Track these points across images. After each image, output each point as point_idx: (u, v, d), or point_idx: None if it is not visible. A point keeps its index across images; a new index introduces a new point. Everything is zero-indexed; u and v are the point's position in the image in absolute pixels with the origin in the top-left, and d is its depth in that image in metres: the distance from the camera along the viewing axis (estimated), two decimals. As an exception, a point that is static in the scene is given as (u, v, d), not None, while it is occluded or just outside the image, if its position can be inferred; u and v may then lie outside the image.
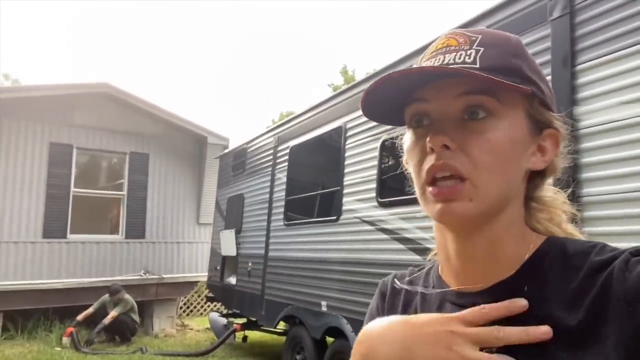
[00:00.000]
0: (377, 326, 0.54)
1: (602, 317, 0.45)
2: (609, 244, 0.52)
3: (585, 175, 2.30)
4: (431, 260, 0.68)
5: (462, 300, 0.55)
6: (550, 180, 0.60)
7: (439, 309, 0.58)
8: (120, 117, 8.04)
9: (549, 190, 0.60)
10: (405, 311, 0.63)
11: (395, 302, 0.66)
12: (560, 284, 0.50)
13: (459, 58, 0.51)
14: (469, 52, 0.52)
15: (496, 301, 0.51)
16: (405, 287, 0.65)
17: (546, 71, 2.54)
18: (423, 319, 0.52)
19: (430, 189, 0.51)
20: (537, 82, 0.54)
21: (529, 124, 0.54)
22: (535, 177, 0.57)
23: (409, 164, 0.57)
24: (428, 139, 0.50)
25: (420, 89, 0.53)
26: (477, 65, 0.50)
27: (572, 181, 2.32)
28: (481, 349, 0.48)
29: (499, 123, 0.51)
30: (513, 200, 0.54)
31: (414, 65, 0.54)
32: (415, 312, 0.61)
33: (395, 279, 0.68)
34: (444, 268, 0.61)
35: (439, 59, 0.52)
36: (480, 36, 0.53)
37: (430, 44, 0.57)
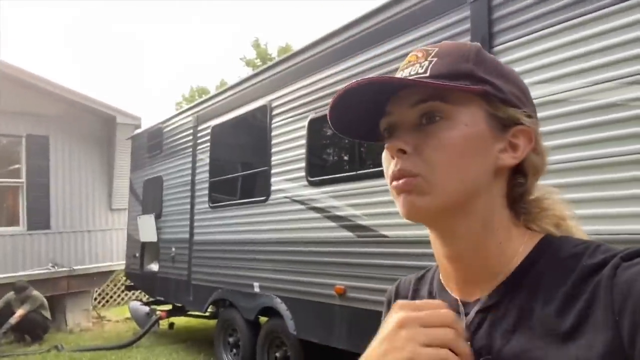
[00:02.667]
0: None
1: (592, 324, 0.46)
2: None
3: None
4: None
5: (467, 308, 0.57)
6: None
7: None
8: (13, 96, 7.20)
9: (539, 190, 0.60)
10: None
11: None
12: (552, 289, 0.51)
13: (414, 71, 0.56)
14: (423, 64, 0.56)
15: (490, 308, 0.54)
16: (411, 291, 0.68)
17: (467, 52, 2.68)
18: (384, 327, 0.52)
19: (392, 184, 0.56)
20: (494, 82, 0.55)
21: (491, 122, 0.55)
22: (516, 176, 0.58)
23: None
24: (385, 145, 0.56)
25: (388, 103, 0.58)
26: (427, 74, 0.55)
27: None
28: (477, 358, 0.52)
29: (452, 123, 0.54)
30: (481, 196, 0.55)
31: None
32: None
33: (400, 285, 0.71)
34: (442, 272, 0.63)
35: (400, 74, 0.57)
36: (437, 49, 0.57)
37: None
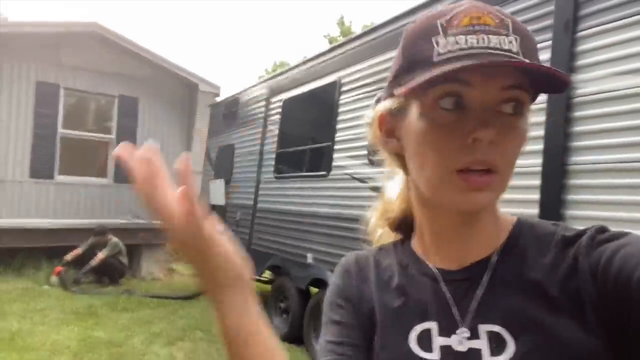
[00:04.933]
0: None
1: (576, 287, 0.49)
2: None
3: (576, 143, 2.32)
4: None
5: (450, 276, 0.57)
6: None
7: (423, 285, 0.59)
8: (109, 59, 7.81)
9: None
10: (385, 287, 0.62)
11: (366, 276, 0.65)
12: (537, 259, 0.54)
13: (505, 45, 0.48)
14: (509, 39, 0.48)
15: (480, 276, 0.55)
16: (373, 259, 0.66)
17: (547, 35, 2.51)
18: None
19: (462, 176, 0.49)
20: None
21: None
22: None
23: (415, 143, 0.53)
24: (478, 131, 0.47)
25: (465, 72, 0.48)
26: (523, 58, 0.48)
27: (562, 149, 2.35)
28: (474, 324, 0.53)
29: (525, 119, 0.52)
30: None
31: (441, 26, 0.50)
32: (400, 288, 0.61)
33: (358, 257, 0.68)
34: (428, 244, 0.61)
35: (483, 38, 0.48)
36: (510, 21, 0.50)
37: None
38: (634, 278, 0.44)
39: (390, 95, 0.56)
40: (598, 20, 2.29)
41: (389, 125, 0.58)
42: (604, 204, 2.19)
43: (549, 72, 0.47)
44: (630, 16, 2.15)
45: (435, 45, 0.49)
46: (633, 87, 2.13)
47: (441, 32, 0.49)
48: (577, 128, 2.33)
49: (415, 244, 0.64)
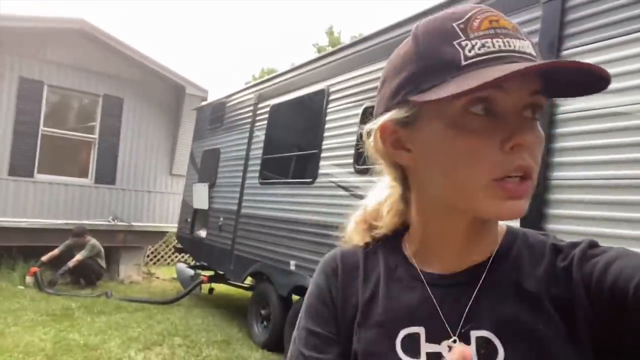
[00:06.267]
0: None
1: (568, 299, 0.50)
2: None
3: (558, 159, 2.38)
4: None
5: (442, 281, 0.57)
6: None
7: (412, 289, 0.58)
8: (95, 57, 7.72)
9: None
10: (372, 289, 0.61)
11: (354, 275, 0.63)
12: (531, 269, 0.54)
13: (525, 48, 0.48)
14: (526, 42, 0.49)
15: (472, 282, 0.55)
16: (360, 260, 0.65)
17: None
18: None
19: (500, 184, 0.48)
20: None
21: None
22: None
23: (442, 152, 0.51)
24: (519, 136, 0.47)
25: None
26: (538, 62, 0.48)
27: (543, 164, 2.40)
28: (465, 329, 0.53)
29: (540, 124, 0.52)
30: None
31: (460, 29, 0.49)
32: (387, 291, 0.60)
33: (344, 255, 0.66)
34: (424, 249, 0.60)
35: (508, 42, 0.47)
36: (517, 25, 0.50)
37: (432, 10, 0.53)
38: (631, 287, 0.44)
39: (400, 103, 0.53)
40: (581, 41, 2.36)
41: (396, 136, 0.55)
42: (584, 219, 2.25)
43: (601, 73, 0.45)
44: (613, 37, 2.22)
45: (460, 49, 0.48)
46: (615, 106, 2.20)
47: (462, 36, 0.48)
48: (559, 144, 2.39)
49: (405, 245, 0.63)
